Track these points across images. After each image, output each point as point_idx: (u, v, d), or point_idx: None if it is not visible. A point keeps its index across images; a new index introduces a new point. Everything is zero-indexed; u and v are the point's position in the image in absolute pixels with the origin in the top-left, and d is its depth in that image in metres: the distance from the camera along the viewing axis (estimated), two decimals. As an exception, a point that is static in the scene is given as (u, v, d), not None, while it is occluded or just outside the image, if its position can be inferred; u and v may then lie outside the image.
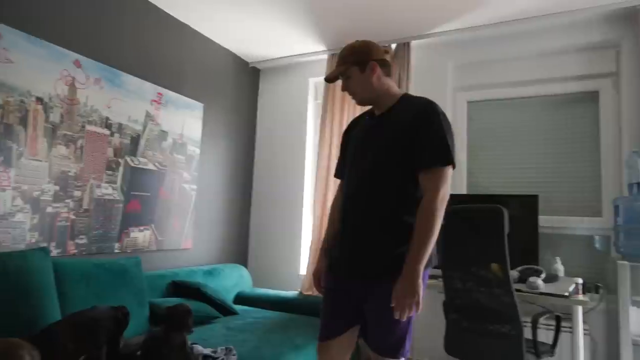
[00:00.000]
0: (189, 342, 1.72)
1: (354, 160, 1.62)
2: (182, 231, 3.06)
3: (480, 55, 3.11)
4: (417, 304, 1.37)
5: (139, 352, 1.79)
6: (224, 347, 1.90)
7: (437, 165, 1.43)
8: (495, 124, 3.13)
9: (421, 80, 3.19)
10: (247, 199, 3.80)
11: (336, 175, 1.82)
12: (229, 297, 2.88)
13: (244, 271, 3.27)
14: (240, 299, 3.04)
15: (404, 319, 1.39)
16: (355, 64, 1.58)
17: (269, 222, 3.73)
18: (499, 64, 3.10)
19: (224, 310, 2.65)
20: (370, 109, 1.69)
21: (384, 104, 1.61)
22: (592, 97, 2.87)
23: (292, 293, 3.12)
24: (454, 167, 1.47)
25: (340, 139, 1.83)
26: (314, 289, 3.16)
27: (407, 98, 1.61)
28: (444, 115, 1.51)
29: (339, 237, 1.60)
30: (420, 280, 1.39)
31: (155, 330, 1.78)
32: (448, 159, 1.44)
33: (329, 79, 1.64)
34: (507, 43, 3.02)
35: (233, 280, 3.08)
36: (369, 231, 1.51)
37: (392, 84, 1.64)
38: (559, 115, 2.96)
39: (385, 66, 1.61)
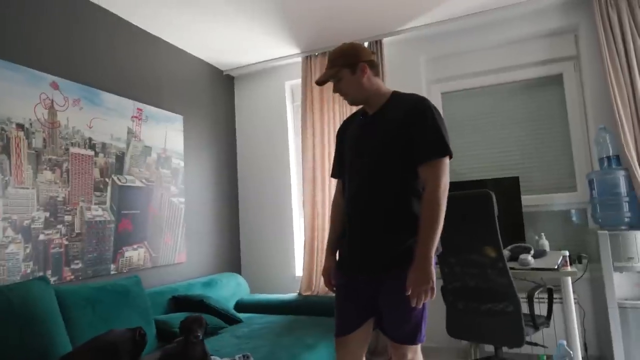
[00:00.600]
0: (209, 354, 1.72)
1: (353, 159, 1.67)
2: (175, 245, 3.03)
3: (450, 48, 3.24)
4: (432, 289, 1.44)
5: (155, 370, 1.78)
6: (240, 355, 1.91)
7: (436, 157, 1.51)
8: (470, 113, 3.26)
9: (395, 75, 3.28)
10: (235, 207, 3.79)
11: (333, 175, 1.87)
12: (229, 306, 2.87)
13: (240, 279, 3.27)
14: (241, 306, 3.04)
15: (420, 305, 1.46)
16: (346, 66, 1.63)
17: (258, 227, 3.74)
18: (468, 54, 3.24)
19: (228, 319, 2.65)
20: (363, 108, 1.74)
21: (375, 103, 1.67)
22: (557, 80, 3.05)
23: (291, 295, 3.14)
24: (450, 157, 1.55)
25: (335, 139, 1.87)
26: (314, 288, 3.20)
27: (397, 95, 1.67)
28: (436, 109, 1.58)
29: (346, 235, 1.65)
30: (433, 268, 1.46)
31: (172, 346, 1.78)
32: (445, 150, 1.52)
33: (320, 83, 1.69)
34: (474, 34, 3.16)
35: (231, 289, 3.08)
36: (376, 227, 1.57)
37: (381, 83, 1.70)
38: (528, 100, 3.12)
39: (374, 67, 1.68)
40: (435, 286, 1.44)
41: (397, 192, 1.56)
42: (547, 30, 3.00)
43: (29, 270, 2.08)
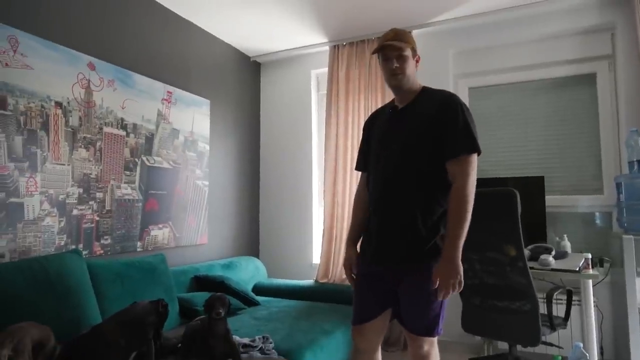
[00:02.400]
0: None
1: (380, 152, 1.69)
2: (198, 227, 3.12)
3: (480, 42, 3.20)
4: (460, 283, 1.47)
5: (179, 345, 1.86)
6: (260, 337, 1.98)
7: (465, 153, 1.52)
8: (496, 109, 3.23)
9: (422, 68, 3.23)
10: (256, 192, 3.86)
11: (357, 168, 1.88)
12: (248, 289, 2.95)
13: (258, 263, 3.34)
14: (258, 289, 3.12)
15: (447, 298, 1.49)
16: (412, 49, 1.65)
17: (278, 213, 3.80)
18: (499, 50, 3.19)
19: (247, 301, 2.73)
20: (391, 102, 1.76)
21: (408, 96, 1.68)
22: (590, 79, 2.99)
23: (307, 282, 3.20)
24: (479, 154, 1.55)
25: (362, 131, 1.88)
26: (330, 276, 3.25)
27: (427, 91, 1.68)
28: (466, 106, 1.59)
29: (370, 227, 1.68)
30: (460, 262, 1.48)
31: (196, 323, 1.85)
32: (474, 147, 1.53)
33: (385, 48, 1.61)
34: (505, 29, 3.11)
35: (250, 272, 3.15)
36: (401, 221, 1.59)
37: (417, 79, 1.71)
38: (558, 98, 3.07)
39: (417, 62, 1.70)
40: (462, 280, 1.47)
41: (423, 187, 1.58)
42: (582, 27, 2.93)
43: (62, 243, 2.17)
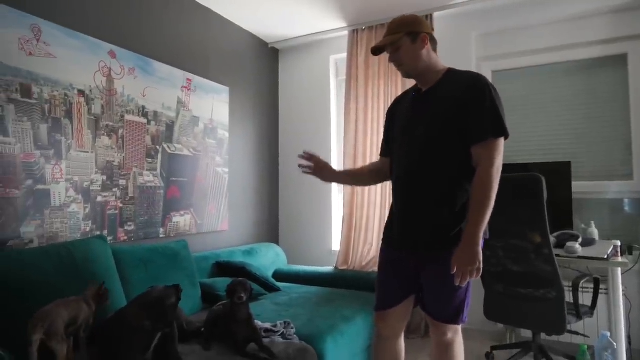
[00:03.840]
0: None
1: (403, 137, 1.65)
2: (219, 214, 3.14)
3: (504, 24, 3.08)
4: (478, 270, 1.43)
5: (202, 329, 1.88)
6: (282, 322, 1.99)
7: (491, 137, 1.47)
8: (521, 93, 3.13)
9: (445, 51, 3.14)
10: (275, 179, 3.86)
11: (382, 154, 1.85)
12: (268, 275, 2.97)
13: (278, 249, 3.36)
14: (278, 276, 3.13)
15: (464, 284, 1.46)
16: (408, 34, 1.58)
17: (297, 200, 3.79)
18: (523, 31, 3.08)
19: (268, 287, 2.74)
20: (415, 85, 1.71)
21: (430, 79, 1.62)
22: (620, 60, 2.86)
23: (327, 268, 3.21)
24: (506, 138, 1.50)
25: (385, 117, 1.85)
26: (350, 263, 3.23)
27: (453, 72, 1.62)
28: (494, 87, 1.53)
29: (395, 213, 1.65)
30: (480, 248, 1.44)
31: (218, 308, 1.87)
32: (502, 130, 1.47)
33: (377, 49, 1.63)
34: (531, 9, 2.99)
35: (270, 259, 3.17)
36: (425, 207, 1.56)
37: (438, 59, 1.65)
38: (586, 80, 2.95)
39: (433, 41, 1.63)
40: (481, 267, 1.43)
41: (448, 172, 1.54)
42: (612, 6, 2.79)
43: (88, 229, 2.22)
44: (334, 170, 1.86)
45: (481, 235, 1.44)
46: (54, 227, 2.06)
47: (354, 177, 2.01)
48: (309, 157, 1.82)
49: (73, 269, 1.77)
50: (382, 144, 1.84)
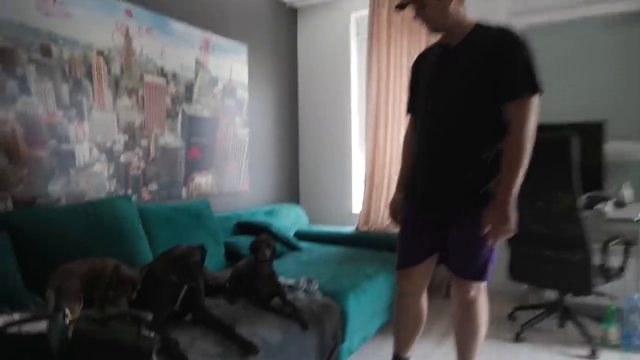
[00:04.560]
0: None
1: (430, 94, 1.58)
2: (239, 174, 3.15)
3: (538, -28, 2.88)
4: (510, 230, 1.40)
5: (226, 285, 1.92)
6: (305, 279, 2.02)
7: (525, 94, 1.39)
8: (554, 50, 2.95)
9: (473, 7, 2.96)
10: (295, 139, 3.83)
11: (409, 111, 1.79)
12: (290, 235, 2.99)
13: (299, 210, 3.38)
14: (300, 236, 3.16)
15: (496, 244, 1.44)
16: None
17: (317, 160, 3.77)
18: (559, -20, 2.87)
19: (289, 246, 2.78)
20: (440, 41, 1.61)
21: (457, 34, 1.52)
22: (664, 11, 2.65)
23: (349, 229, 3.22)
24: (541, 94, 1.42)
25: (410, 74, 1.77)
26: (371, 224, 3.24)
27: (481, 27, 1.52)
28: (526, 42, 1.43)
29: (420, 170, 1.61)
30: (512, 208, 1.40)
31: (242, 265, 1.90)
32: (535, 87, 1.40)
33: (402, 5, 1.56)
34: (569, -45, 2.77)
35: (291, 219, 3.19)
36: (452, 164, 1.52)
37: (466, 13, 1.55)
38: (623, 36, 2.76)
39: None
40: (513, 227, 1.40)
41: (477, 129, 1.49)
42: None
43: (112, 189, 2.25)
44: (397, 195, 1.77)
45: (515, 194, 1.40)
46: (80, 186, 2.10)
47: (408, 173, 1.74)
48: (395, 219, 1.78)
49: (101, 226, 1.82)
50: (409, 101, 1.78)
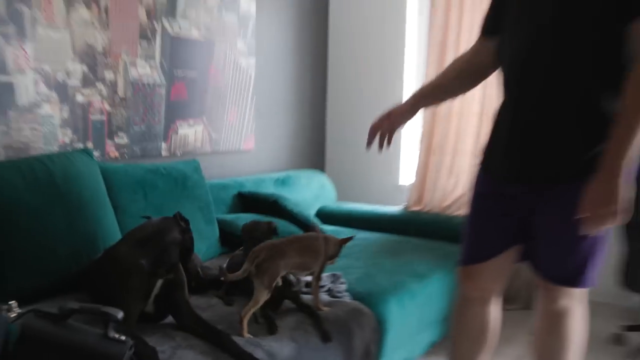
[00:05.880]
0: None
1: (522, 15, 1.58)
2: (242, 126, 3.21)
3: None
4: (618, 213, 1.41)
5: (222, 278, 2.01)
6: (330, 274, 2.09)
7: None
8: None
9: None
10: (322, 79, 3.85)
11: (484, 32, 1.79)
12: (310, 213, 3.06)
13: (325, 179, 3.44)
14: (325, 215, 3.24)
15: (594, 233, 1.45)
16: None
17: (353, 110, 3.78)
18: None
19: (308, 229, 2.84)
20: None
21: None
22: None
23: (393, 209, 3.26)
24: None
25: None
26: (425, 203, 3.28)
27: None
28: None
29: (503, 126, 1.63)
30: (624, 181, 1.41)
31: (242, 253, 1.98)
32: None
33: None
34: None
35: (312, 192, 3.26)
36: (552, 117, 1.53)
37: None
38: None
39: None
40: (623, 209, 1.41)
41: (589, 67, 1.49)
42: None
43: (67, 140, 2.35)
44: (406, 106, 1.83)
45: (629, 162, 1.40)
46: (23, 134, 2.19)
47: (438, 93, 1.90)
48: (372, 133, 1.83)
49: (52, 188, 1.90)
50: (486, 18, 1.77)
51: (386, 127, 1.82)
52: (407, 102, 1.85)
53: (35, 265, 1.82)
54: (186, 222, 1.79)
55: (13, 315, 1.19)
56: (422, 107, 1.86)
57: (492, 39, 1.73)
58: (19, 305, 1.27)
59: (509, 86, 1.63)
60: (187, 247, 1.77)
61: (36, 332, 1.15)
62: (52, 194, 1.90)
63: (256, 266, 1.67)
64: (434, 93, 1.88)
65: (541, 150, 1.54)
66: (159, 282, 1.69)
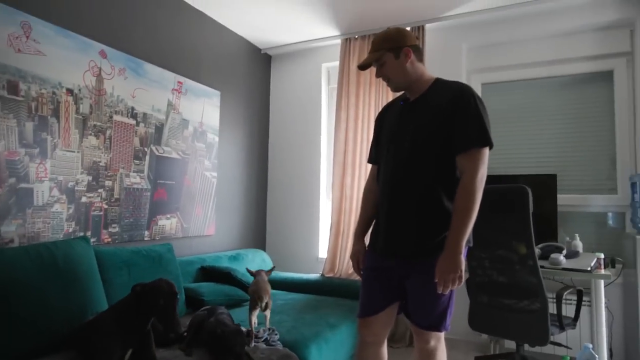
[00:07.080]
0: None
1: (390, 145, 1.67)
2: (205, 218, 3.12)
3: (494, 37, 3.14)
4: (460, 278, 1.45)
5: (185, 333, 1.86)
6: (266, 328, 1.98)
7: (475, 147, 1.49)
8: (509, 106, 3.18)
9: (435, 63, 3.21)
10: (264, 185, 3.85)
11: (370, 161, 1.86)
12: (254, 281, 2.95)
13: (265, 255, 3.34)
14: (265, 282, 3.11)
15: (446, 292, 1.48)
16: (390, 50, 1.61)
17: (285, 206, 3.79)
18: (513, 45, 3.14)
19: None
20: (404, 94, 1.73)
21: (418, 89, 1.65)
22: (607, 77, 2.93)
23: (314, 275, 3.20)
24: (491, 148, 1.52)
25: (374, 124, 1.87)
26: (336, 271, 3.24)
27: (440, 82, 1.65)
28: (479, 98, 1.56)
29: (381, 219, 1.66)
30: (462, 257, 1.46)
31: (202, 313, 1.85)
32: (486, 140, 1.50)
33: (363, 66, 1.68)
34: (520, 24, 3.05)
35: (256, 265, 3.15)
36: (410, 215, 1.57)
37: (424, 69, 1.68)
38: (573, 95, 3.01)
39: (418, 51, 1.65)
40: (463, 275, 1.45)
41: (433, 180, 1.56)
42: (600, 23, 2.87)
43: (70, 230, 2.19)
44: (356, 246, 1.80)
45: (463, 244, 1.46)
46: (36, 226, 2.03)
47: (368, 224, 1.82)
48: (357, 269, 1.79)
49: (54, 269, 1.75)
50: (371, 151, 1.85)
51: (356, 262, 1.78)
52: (354, 243, 1.82)
53: (32, 329, 1.62)
54: (171, 285, 1.61)
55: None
56: (362, 237, 1.81)
57: (375, 164, 1.81)
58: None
59: (384, 191, 1.66)
60: (166, 307, 1.55)
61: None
62: (54, 272, 1.75)
63: (265, 304, 1.96)
64: (366, 225, 1.80)
65: (408, 236, 1.58)
66: (129, 352, 1.55)
